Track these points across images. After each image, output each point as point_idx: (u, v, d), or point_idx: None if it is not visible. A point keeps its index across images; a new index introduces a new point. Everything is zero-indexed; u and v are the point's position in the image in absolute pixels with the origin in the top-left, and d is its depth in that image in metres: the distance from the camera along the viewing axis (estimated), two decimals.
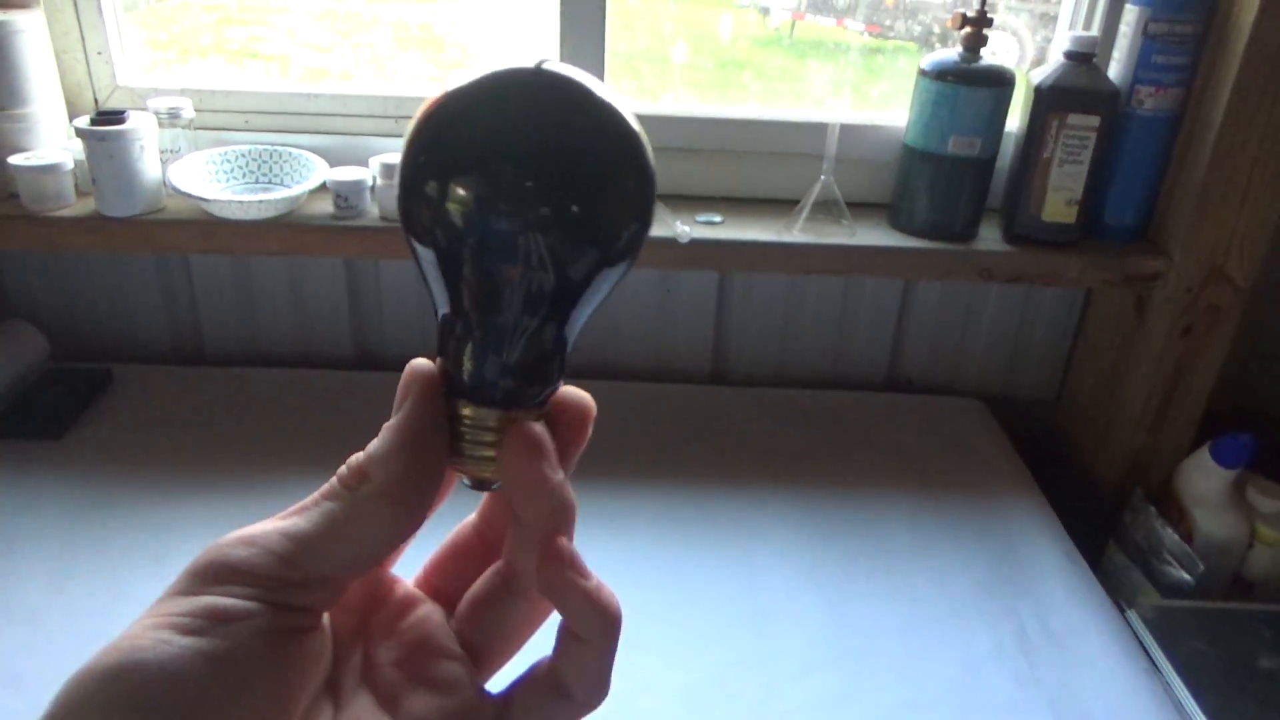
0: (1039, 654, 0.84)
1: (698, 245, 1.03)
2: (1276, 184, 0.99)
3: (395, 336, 1.24)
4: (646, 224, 0.24)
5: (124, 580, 0.87)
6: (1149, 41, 0.99)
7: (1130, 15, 1.00)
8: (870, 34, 1.64)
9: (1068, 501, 1.08)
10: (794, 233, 1.05)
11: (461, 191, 0.22)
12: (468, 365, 0.25)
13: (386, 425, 0.26)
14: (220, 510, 0.96)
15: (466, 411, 0.26)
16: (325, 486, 0.25)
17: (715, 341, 1.25)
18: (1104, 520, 1.13)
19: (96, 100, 1.12)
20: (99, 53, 1.09)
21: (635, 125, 0.24)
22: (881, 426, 1.17)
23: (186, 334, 1.24)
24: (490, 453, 0.26)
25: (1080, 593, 0.93)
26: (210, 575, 0.23)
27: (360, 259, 1.18)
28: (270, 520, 0.25)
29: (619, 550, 0.94)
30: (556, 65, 0.23)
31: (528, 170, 0.22)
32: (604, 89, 0.24)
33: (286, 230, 1.03)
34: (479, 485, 0.27)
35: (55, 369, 1.17)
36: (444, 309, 0.25)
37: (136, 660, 0.21)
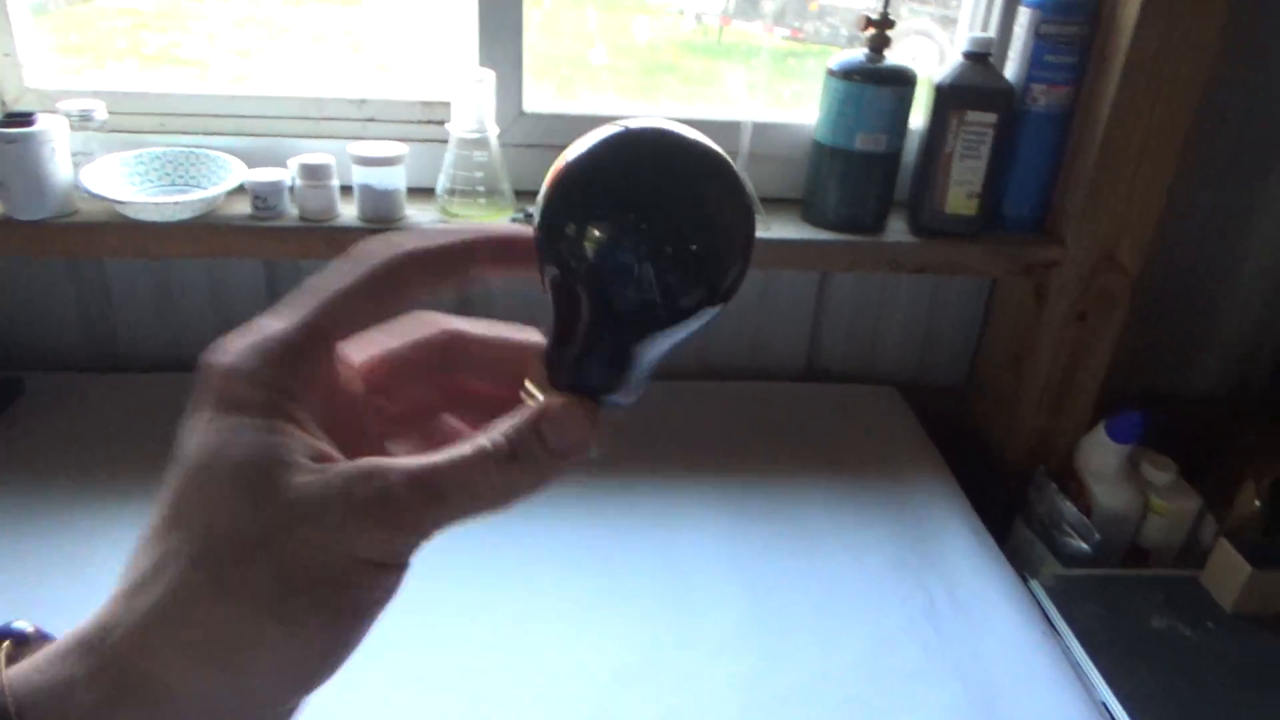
0: (947, 625, 0.89)
1: None
2: (1161, 176, 1.06)
3: None
4: (748, 263, 0.27)
5: (41, 590, 0.86)
6: (1040, 42, 1.04)
7: (1023, 17, 1.06)
8: (794, 38, 1.69)
9: (977, 481, 1.13)
10: None
11: (596, 233, 0.26)
12: (568, 360, 0.28)
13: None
14: (140, 519, 0.95)
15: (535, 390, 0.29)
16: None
17: None
18: (1011, 497, 1.19)
19: (4, 103, 1.09)
20: (6, 55, 1.07)
21: (734, 167, 0.27)
22: (800, 415, 1.21)
23: (102, 340, 1.22)
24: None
25: (986, 566, 0.97)
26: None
27: (281, 260, 1.18)
28: None
29: (543, 542, 0.96)
30: (643, 121, 0.27)
31: (646, 216, 0.25)
32: (692, 133, 0.26)
33: (204, 232, 1.02)
34: None
35: None
36: (562, 317, 0.28)
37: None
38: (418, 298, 0.30)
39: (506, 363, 0.31)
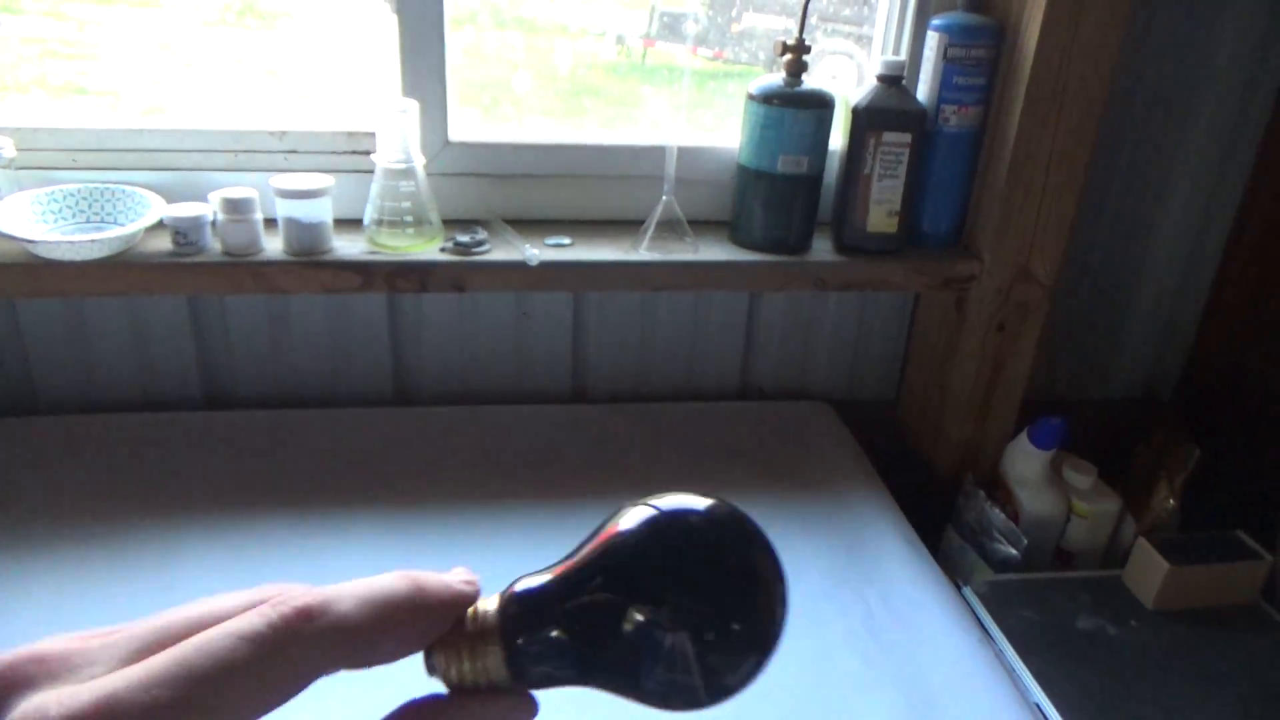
0: (885, 634, 0.90)
1: (548, 267, 1.06)
2: (1068, 190, 1.10)
3: (245, 374, 1.21)
4: (783, 626, 0.28)
5: None
6: (950, 65, 1.08)
7: (932, 41, 1.10)
8: (717, 59, 1.72)
9: (909, 492, 1.16)
10: (640, 251, 1.10)
11: (639, 617, 0.25)
12: (537, 654, 0.27)
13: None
14: (65, 564, 0.92)
15: (490, 661, 0.27)
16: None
17: (574, 360, 1.27)
18: (941, 506, 1.22)
19: None
20: None
21: (772, 551, 0.28)
22: (736, 433, 1.22)
23: (15, 383, 1.18)
24: (464, 679, 0.28)
25: (921, 575, 0.99)
26: None
27: (204, 297, 1.16)
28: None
29: (488, 573, 0.95)
30: (666, 502, 0.28)
31: (696, 596, 0.26)
32: (720, 508, 0.27)
33: (123, 270, 0.99)
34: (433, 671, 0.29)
35: None
36: (561, 635, 0.27)
37: None
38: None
39: None
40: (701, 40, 1.70)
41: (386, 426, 1.18)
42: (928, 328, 1.28)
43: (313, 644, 0.24)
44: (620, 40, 1.72)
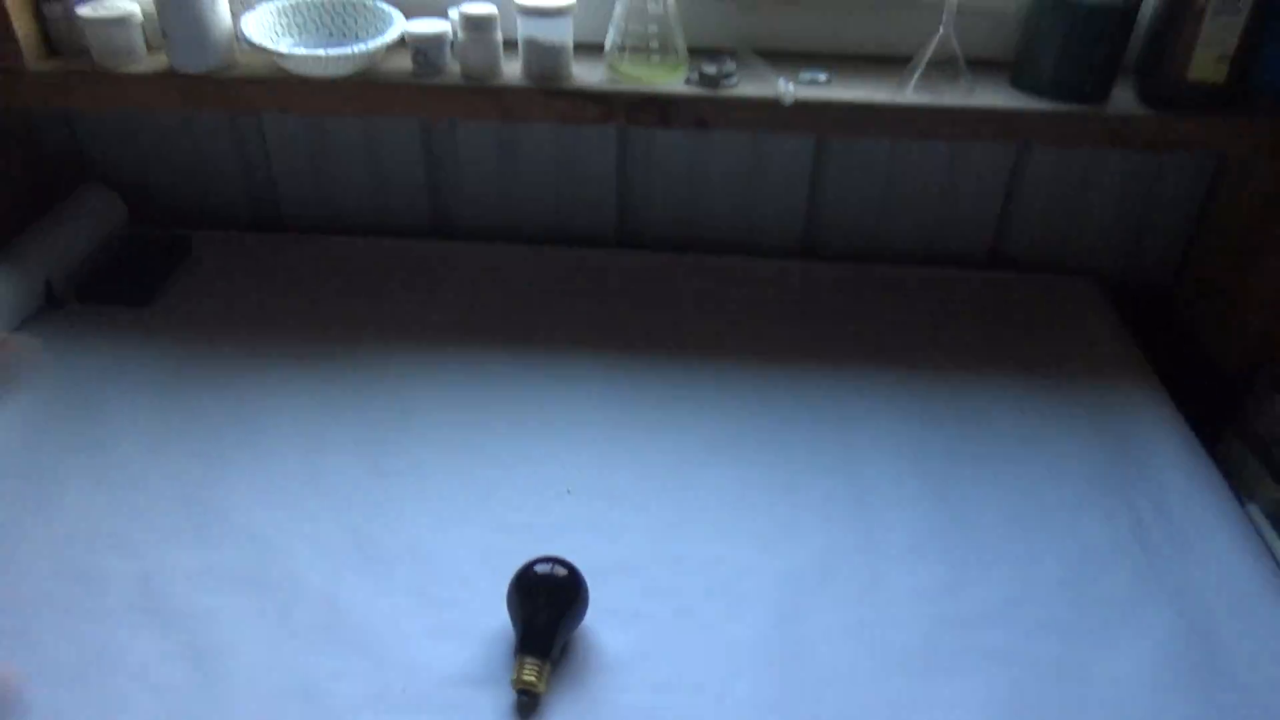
0: (1159, 548, 0.80)
1: (803, 107, 0.95)
2: None
3: (473, 202, 1.19)
4: (584, 609, 0.71)
5: (221, 444, 0.88)
6: None
7: None
8: None
9: (1181, 390, 1.02)
10: (907, 93, 0.97)
11: (527, 598, 0.70)
12: (533, 645, 0.68)
13: None
14: (308, 377, 0.95)
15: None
16: None
17: (808, 213, 1.18)
18: (1219, 409, 1.07)
19: None
20: None
21: (583, 580, 0.72)
22: (987, 306, 1.11)
23: (263, 200, 1.21)
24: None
25: (1201, 485, 0.87)
26: None
27: (437, 123, 1.13)
28: None
29: (708, 433, 0.91)
30: (549, 564, 0.72)
31: (547, 589, 0.71)
32: (570, 568, 0.72)
33: (363, 88, 0.97)
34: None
35: (135, 235, 1.15)
36: (526, 626, 0.69)
37: None
38: None
39: None
40: None
41: (610, 268, 1.14)
42: (1236, 202, 1.09)
43: None
44: None
